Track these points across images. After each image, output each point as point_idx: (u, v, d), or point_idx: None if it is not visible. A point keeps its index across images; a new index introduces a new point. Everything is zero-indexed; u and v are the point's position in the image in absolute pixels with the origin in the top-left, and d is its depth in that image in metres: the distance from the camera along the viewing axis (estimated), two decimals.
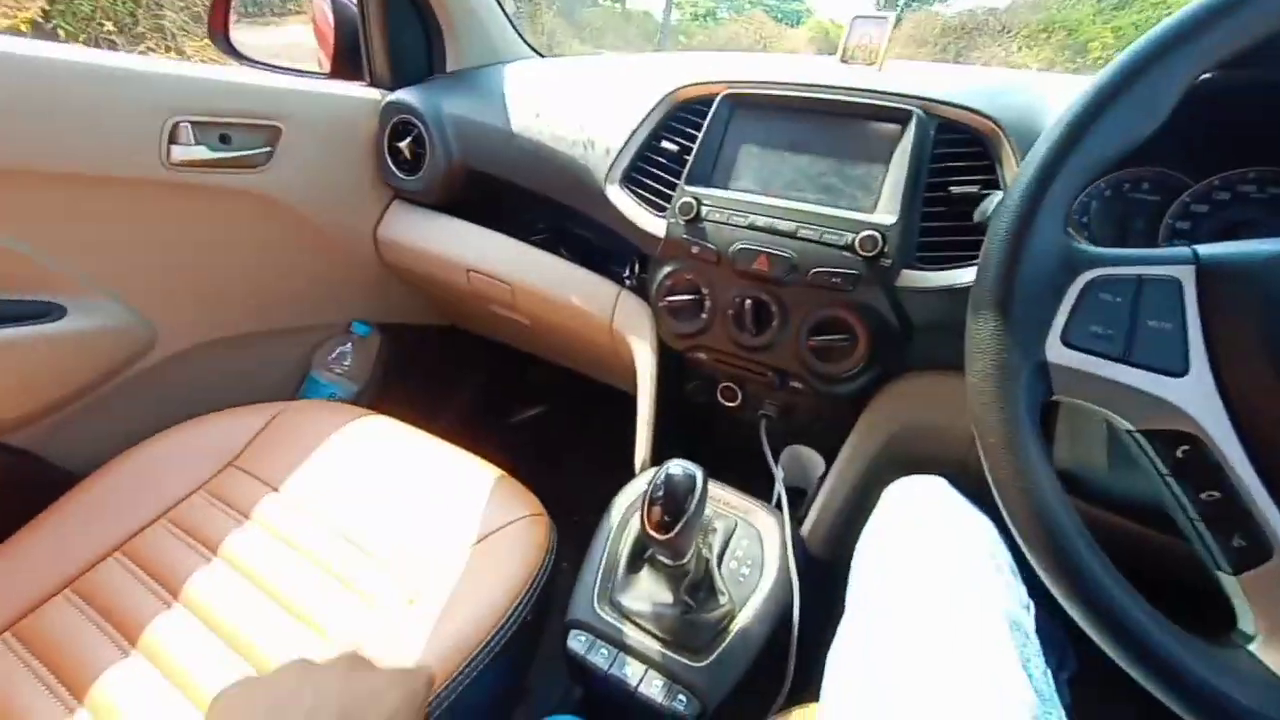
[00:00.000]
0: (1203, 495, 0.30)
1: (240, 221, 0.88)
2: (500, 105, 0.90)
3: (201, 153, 0.80)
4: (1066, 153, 0.33)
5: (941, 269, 0.58)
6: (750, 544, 0.63)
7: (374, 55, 1.01)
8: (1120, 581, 0.31)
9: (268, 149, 0.87)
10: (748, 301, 0.64)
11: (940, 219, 0.59)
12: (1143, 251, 0.33)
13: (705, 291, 0.68)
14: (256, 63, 1.06)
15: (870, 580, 0.46)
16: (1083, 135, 0.33)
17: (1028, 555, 0.33)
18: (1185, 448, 0.31)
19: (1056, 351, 0.33)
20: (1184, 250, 0.32)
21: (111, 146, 0.72)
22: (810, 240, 0.60)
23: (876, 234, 0.57)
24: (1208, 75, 0.50)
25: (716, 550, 0.62)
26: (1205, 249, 0.32)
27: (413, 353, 1.19)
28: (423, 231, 1.00)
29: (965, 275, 0.57)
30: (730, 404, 0.76)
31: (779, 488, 0.66)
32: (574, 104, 0.83)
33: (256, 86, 0.87)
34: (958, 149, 0.60)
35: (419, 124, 0.94)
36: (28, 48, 0.65)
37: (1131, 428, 0.32)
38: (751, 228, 0.63)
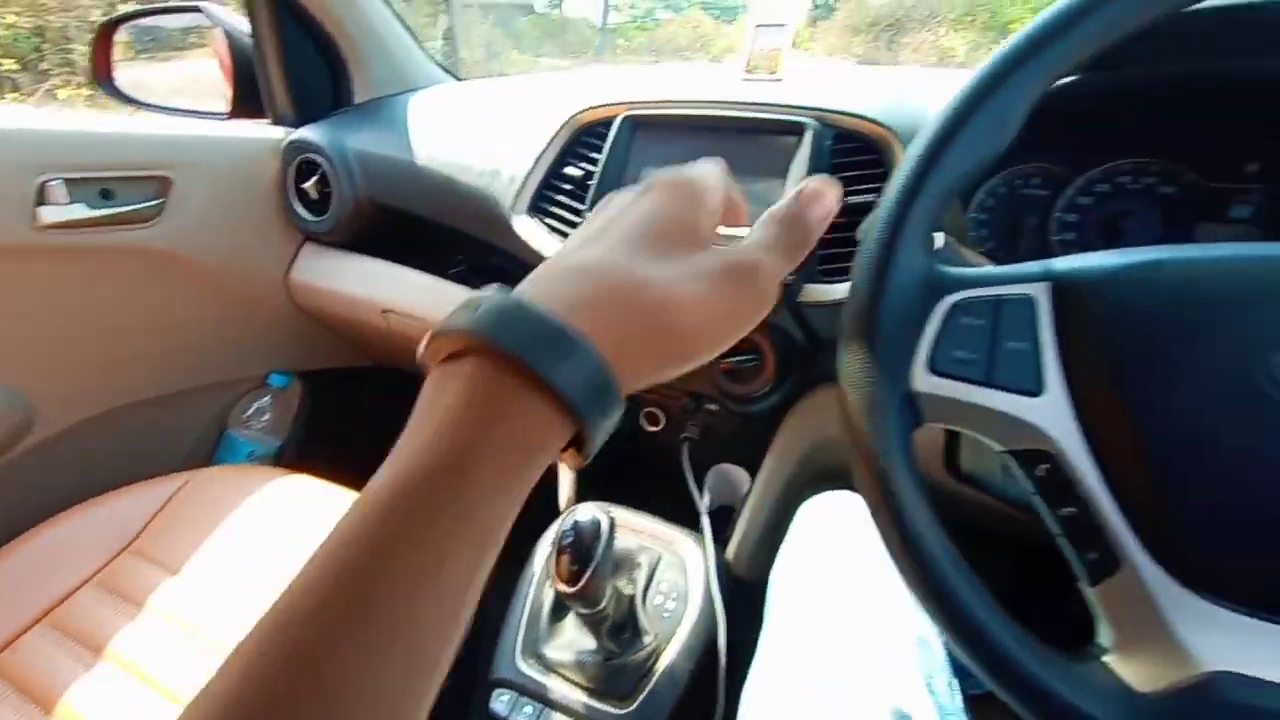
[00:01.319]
0: (1062, 511, 0.31)
1: (131, 281, 0.83)
2: (406, 137, 0.88)
3: (79, 211, 0.75)
4: (922, 179, 0.33)
5: (845, 280, 0.57)
6: (675, 575, 0.62)
7: (274, 92, 0.97)
8: (985, 602, 0.31)
9: (157, 201, 0.83)
10: None
11: (839, 230, 0.58)
12: (1002, 270, 0.33)
13: None
14: (151, 106, 1.01)
15: (784, 605, 0.46)
16: (937, 160, 0.33)
17: (901, 580, 0.32)
18: (1045, 466, 0.31)
19: (923, 379, 0.32)
20: (1039, 267, 0.32)
21: None
22: None
23: None
24: (1070, 79, 0.51)
25: (641, 586, 0.61)
26: (1060, 263, 0.32)
27: (338, 398, 1.14)
28: (336, 273, 0.96)
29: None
30: (654, 428, 0.75)
31: (702, 513, 0.66)
32: (479, 132, 0.81)
33: (141, 136, 0.82)
34: (854, 157, 0.60)
35: (323, 162, 0.91)
36: None
37: (1000, 448, 0.32)
38: None
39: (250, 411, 1.01)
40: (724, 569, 0.65)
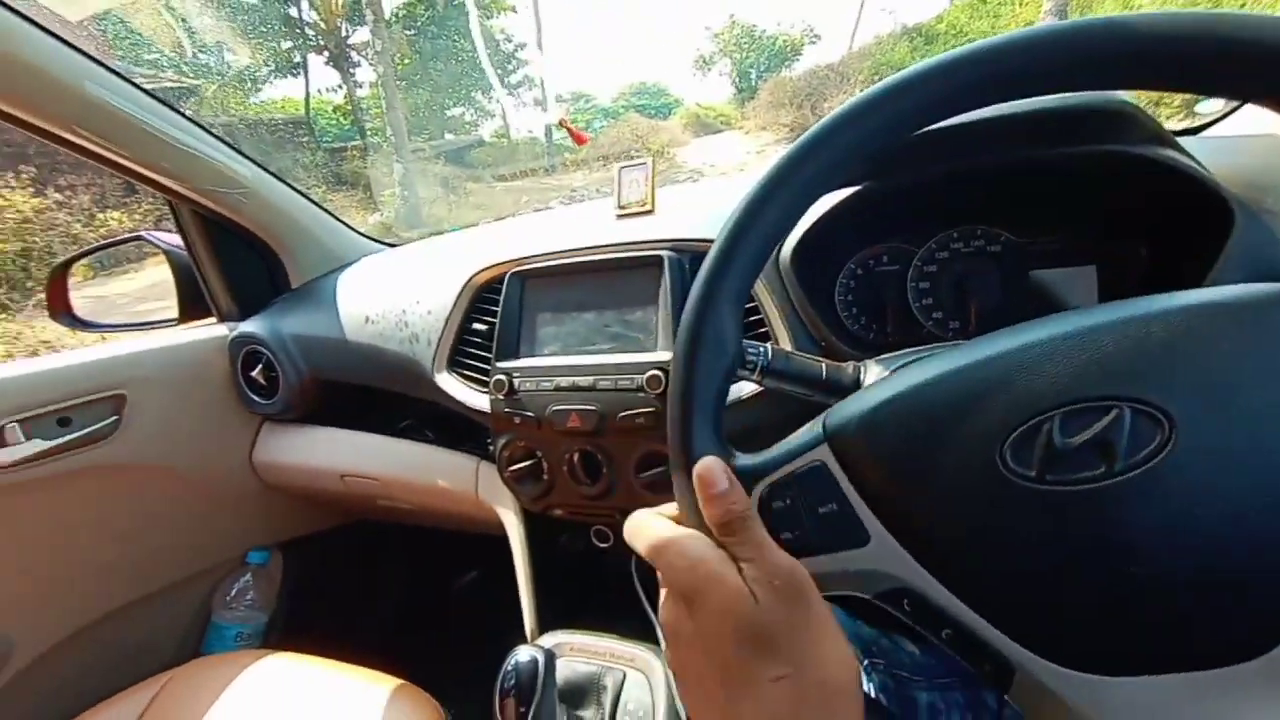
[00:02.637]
0: (943, 634, 0.32)
1: (95, 497, 0.87)
2: (336, 315, 0.95)
3: (36, 445, 0.80)
4: (726, 262, 0.34)
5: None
6: (641, 693, 0.63)
7: (215, 293, 1.06)
8: None
9: (113, 418, 0.89)
10: (576, 456, 0.67)
11: None
12: (786, 448, 0.34)
13: (540, 454, 0.71)
14: (107, 327, 1.09)
15: None
16: (735, 247, 0.34)
17: None
18: (907, 600, 0.32)
19: None
20: (814, 434, 0.34)
21: None
22: (608, 390, 0.65)
23: (659, 371, 0.62)
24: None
25: (609, 710, 0.61)
26: (831, 417, 0.34)
27: (322, 560, 1.16)
28: (296, 447, 1.01)
29: (746, 387, 0.62)
30: (605, 545, 0.77)
31: (657, 624, 0.67)
32: (396, 302, 0.88)
33: (93, 361, 0.89)
34: None
35: (265, 350, 0.98)
36: None
37: (869, 598, 0.33)
38: (558, 389, 0.67)
39: (234, 592, 1.03)
40: None
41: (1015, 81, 0.32)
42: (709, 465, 0.31)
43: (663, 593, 0.32)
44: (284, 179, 1.07)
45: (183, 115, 0.88)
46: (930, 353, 0.39)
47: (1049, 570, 0.29)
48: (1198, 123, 0.75)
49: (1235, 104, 0.75)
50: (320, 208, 1.13)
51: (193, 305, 1.07)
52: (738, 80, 14.41)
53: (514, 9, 12.02)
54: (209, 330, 1.03)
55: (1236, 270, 0.50)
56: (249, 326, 0.99)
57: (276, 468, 1.02)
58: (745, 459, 0.35)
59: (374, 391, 0.92)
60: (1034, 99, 0.36)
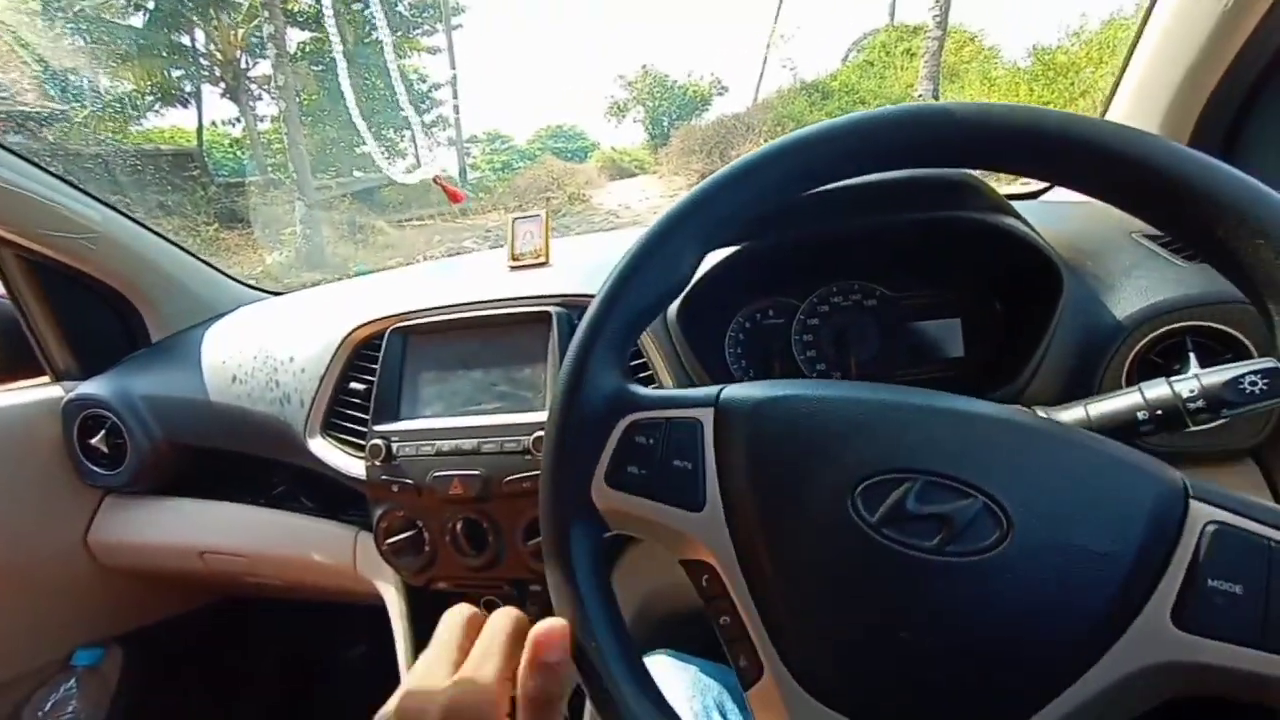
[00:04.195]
0: (721, 619, 0.33)
1: None
2: (198, 374, 0.86)
3: None
4: (606, 314, 0.37)
5: None
6: None
7: (48, 348, 0.93)
8: (649, 705, 0.33)
9: None
10: (460, 524, 0.63)
11: None
12: (679, 394, 0.36)
13: (421, 524, 0.65)
14: None
15: None
16: (616, 300, 0.37)
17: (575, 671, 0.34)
18: (706, 576, 0.33)
19: (601, 492, 0.35)
20: (711, 391, 0.36)
21: None
22: (494, 453, 0.61)
23: None
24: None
25: None
26: (728, 390, 0.35)
27: (173, 652, 1.01)
28: (144, 523, 0.89)
29: None
30: None
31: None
32: (267, 359, 0.81)
33: None
34: None
35: (109, 414, 0.86)
36: None
37: (675, 556, 0.35)
38: (439, 454, 0.63)
39: (50, 706, 0.87)
40: None
41: (867, 157, 0.35)
42: (551, 627, 0.31)
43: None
44: (145, 223, 0.98)
45: (6, 150, 0.78)
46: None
47: (838, 607, 0.30)
48: (1034, 188, 0.84)
49: None
50: (190, 254, 1.04)
51: (12, 362, 0.93)
52: (651, 127, 15.00)
53: (430, 50, 12.00)
54: (35, 393, 0.89)
55: (1070, 327, 0.54)
56: (90, 388, 0.88)
57: (119, 548, 0.89)
58: (634, 387, 0.36)
59: (234, 459, 0.83)
60: (890, 174, 0.39)
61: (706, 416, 0.35)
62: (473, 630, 0.34)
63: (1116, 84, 0.68)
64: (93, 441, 0.87)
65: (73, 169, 0.87)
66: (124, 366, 0.93)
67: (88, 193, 0.89)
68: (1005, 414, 0.32)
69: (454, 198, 0.95)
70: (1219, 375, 0.38)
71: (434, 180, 0.93)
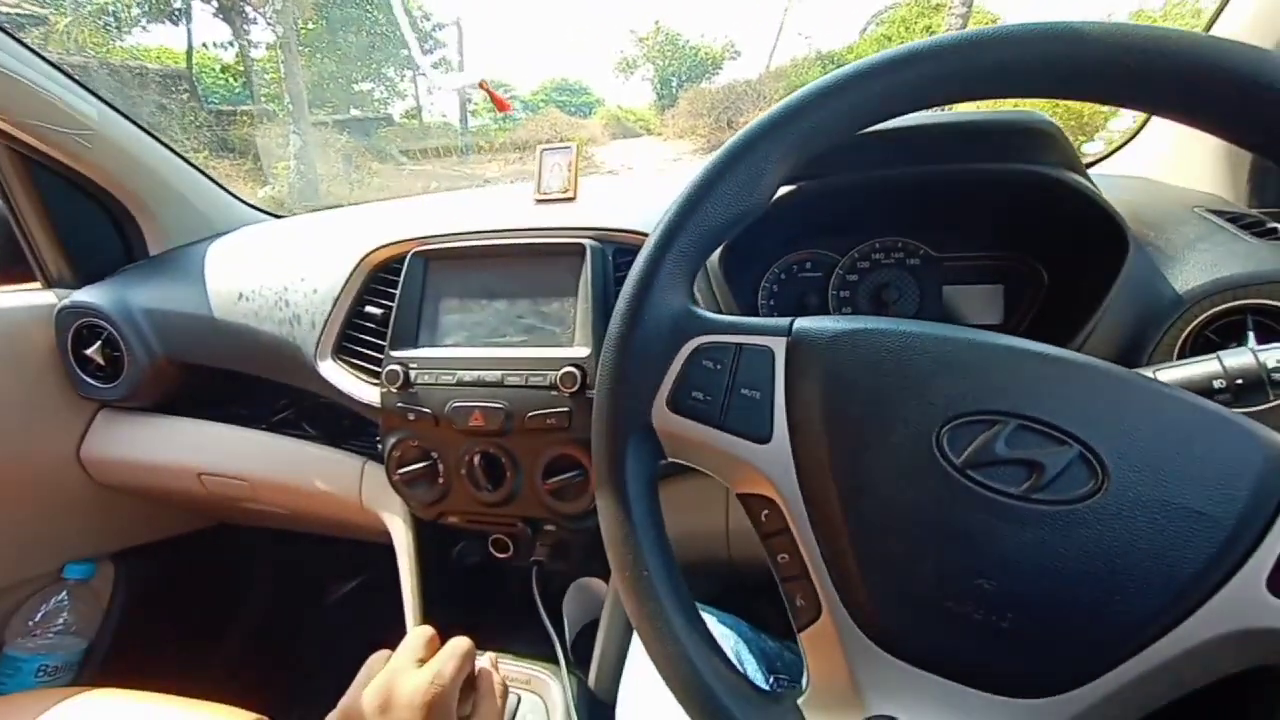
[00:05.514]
0: (779, 557, 0.32)
1: None
2: (201, 290, 0.82)
3: None
4: (679, 226, 0.34)
5: None
6: (537, 717, 0.58)
7: (41, 253, 0.88)
8: (703, 647, 0.32)
9: None
10: (477, 458, 0.61)
11: None
12: (749, 320, 0.35)
13: (436, 455, 0.63)
14: None
15: None
16: (692, 211, 0.34)
17: (627, 612, 0.34)
18: (766, 511, 0.32)
19: (662, 416, 0.33)
20: (783, 321, 0.34)
21: None
22: (518, 386, 0.59)
23: (574, 369, 0.57)
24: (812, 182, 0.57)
25: None
26: (801, 321, 0.34)
27: (166, 573, 1.00)
28: (140, 441, 0.86)
29: None
30: (504, 555, 0.71)
31: (556, 642, 0.62)
32: (277, 278, 0.77)
33: None
34: None
35: (106, 324, 0.83)
36: None
37: (732, 490, 0.34)
38: (461, 384, 0.61)
39: (40, 616, 0.86)
40: (587, 697, 0.61)
41: (990, 78, 0.32)
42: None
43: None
44: (145, 127, 0.92)
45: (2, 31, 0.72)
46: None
47: (912, 549, 0.29)
48: (1084, 160, 0.82)
49: (1115, 145, 0.82)
50: (193, 165, 0.98)
51: (4, 264, 0.89)
52: (659, 87, 14.59)
53: None
54: (28, 298, 0.85)
55: (1127, 299, 0.53)
56: (85, 296, 0.84)
57: (113, 464, 0.86)
58: (701, 311, 0.35)
59: (238, 379, 0.80)
60: (965, 113, 0.36)
61: (779, 345, 0.33)
62: (433, 645, 0.45)
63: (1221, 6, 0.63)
64: (88, 352, 0.83)
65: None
66: (122, 277, 0.89)
67: (84, 85, 0.83)
68: (1103, 364, 0.30)
69: (501, 105, 0.91)
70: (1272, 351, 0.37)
71: (479, 85, 0.88)
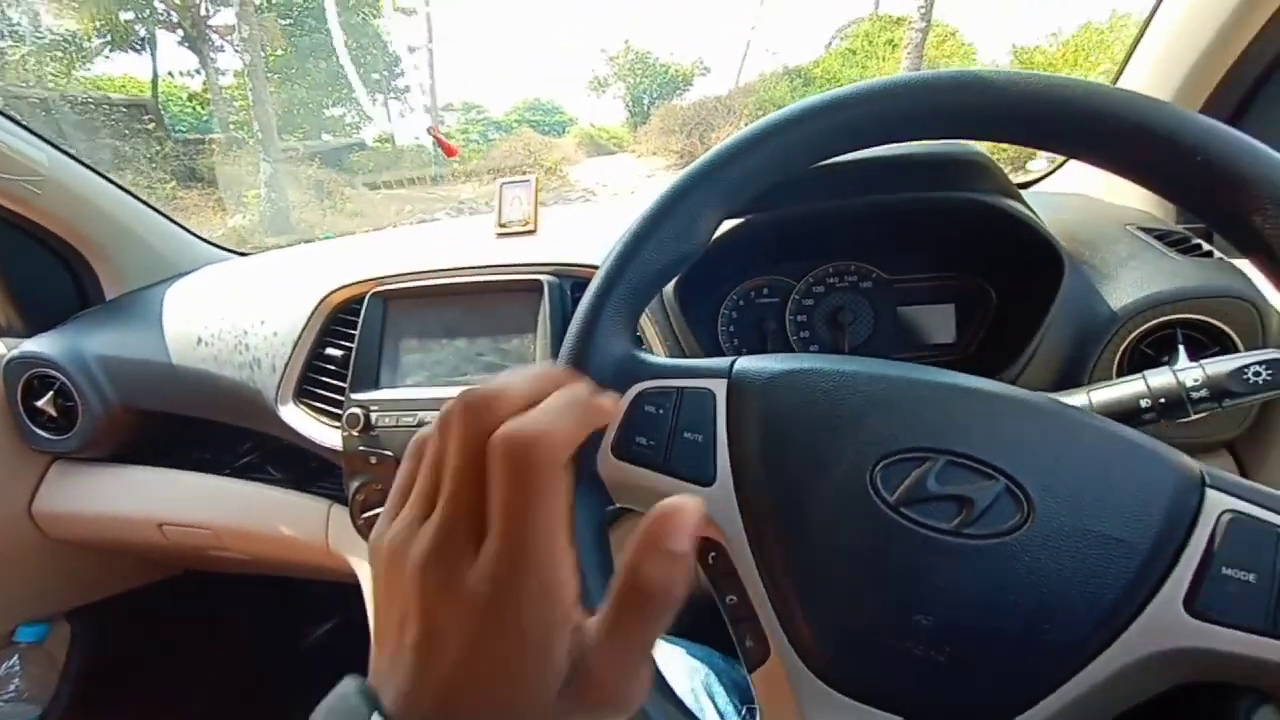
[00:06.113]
0: (728, 599, 0.32)
1: None
2: (158, 335, 0.81)
3: None
4: (618, 274, 0.35)
5: None
6: None
7: None
8: (652, 694, 0.32)
9: None
10: None
11: None
12: (690, 363, 0.35)
13: None
14: None
15: None
16: (630, 259, 0.35)
17: None
18: (714, 553, 0.32)
19: (608, 464, 0.34)
20: (724, 363, 0.34)
21: None
22: None
23: None
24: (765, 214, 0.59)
25: None
26: (742, 362, 0.34)
27: (128, 628, 0.97)
28: (96, 492, 0.84)
29: None
30: None
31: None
32: (236, 321, 0.76)
33: None
34: None
35: (59, 375, 0.81)
36: None
37: None
38: (422, 425, 0.60)
39: None
40: None
41: (896, 123, 0.34)
42: (682, 504, 0.22)
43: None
44: (98, 169, 0.91)
45: None
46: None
47: (852, 588, 0.30)
48: (1026, 178, 0.85)
49: (1058, 163, 0.85)
50: (150, 207, 0.97)
51: None
52: (631, 104, 14.75)
53: (405, 11, 11.52)
54: None
55: (1067, 317, 0.55)
56: (35, 345, 0.82)
57: (68, 519, 0.84)
58: (644, 354, 0.35)
59: (202, 423, 0.79)
60: (902, 146, 0.38)
61: (720, 387, 0.33)
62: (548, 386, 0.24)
63: (1129, 56, 0.67)
64: (39, 404, 0.81)
65: (9, 111, 0.79)
66: (75, 324, 0.87)
67: (34, 131, 0.82)
68: (1026, 396, 0.31)
69: (449, 151, 0.92)
70: (1224, 365, 0.39)
71: (429, 130, 0.88)
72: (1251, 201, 0.28)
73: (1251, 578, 0.27)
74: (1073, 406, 0.32)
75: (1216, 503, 0.28)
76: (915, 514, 0.29)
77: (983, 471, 0.29)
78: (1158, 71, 0.65)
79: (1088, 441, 0.30)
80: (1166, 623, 0.27)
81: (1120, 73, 0.70)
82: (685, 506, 0.21)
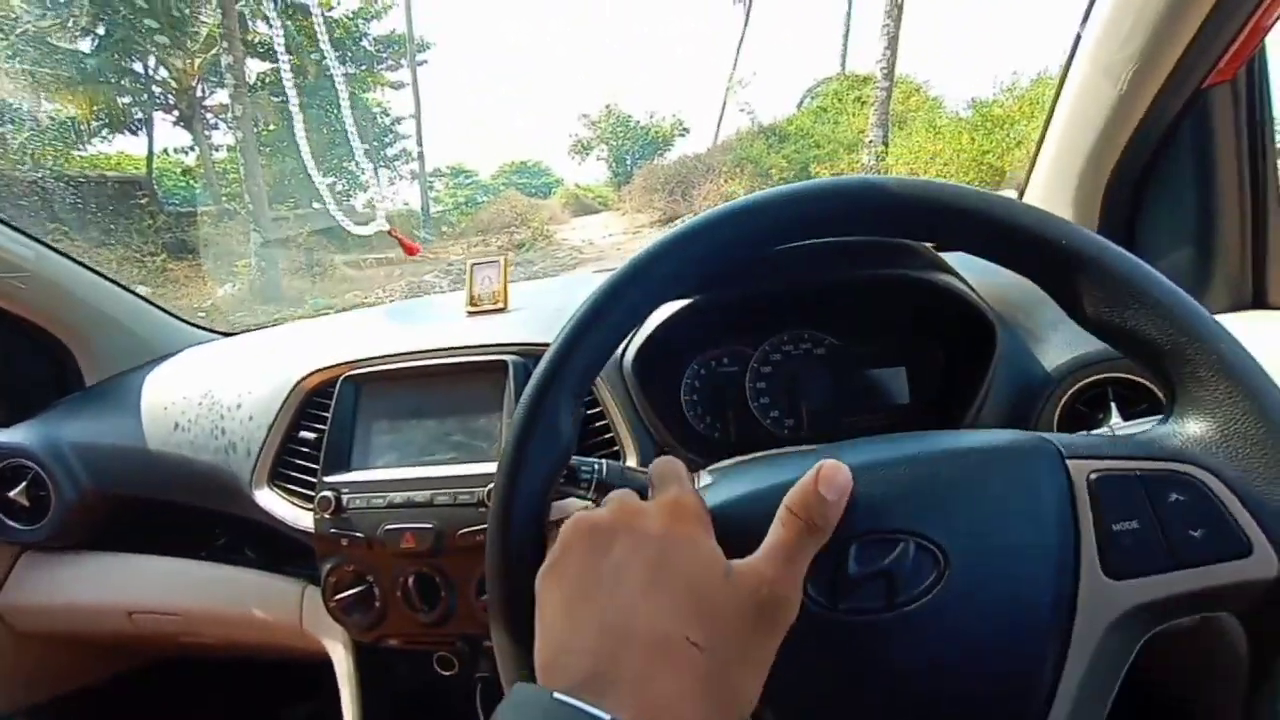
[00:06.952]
0: None
1: None
2: (135, 420, 0.82)
3: None
4: (554, 374, 0.36)
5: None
6: None
7: None
8: None
9: None
10: (411, 579, 0.61)
11: None
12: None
13: (371, 579, 0.63)
14: None
15: None
16: (567, 358, 0.37)
17: None
18: None
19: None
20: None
21: None
22: (447, 505, 0.60)
23: None
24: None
25: None
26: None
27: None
28: (64, 582, 0.83)
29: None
30: (449, 672, 0.70)
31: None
32: (212, 405, 0.78)
33: None
34: None
35: (34, 465, 0.81)
36: None
37: None
38: (391, 506, 0.61)
39: None
40: None
41: (802, 226, 0.38)
42: (841, 467, 0.30)
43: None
44: (81, 261, 0.94)
45: None
46: (753, 461, 0.41)
47: (819, 698, 0.30)
48: None
49: None
50: (131, 292, 0.99)
51: None
52: (614, 165, 15.29)
53: (394, 85, 12.02)
54: None
55: (1005, 376, 0.58)
56: (10, 436, 0.82)
57: (35, 611, 0.83)
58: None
59: (169, 510, 0.79)
60: None
61: None
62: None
63: (1033, 164, 0.73)
64: (11, 495, 0.81)
65: (4, 193, 0.82)
66: (52, 412, 0.88)
67: (20, 230, 0.85)
68: (915, 449, 0.33)
69: (409, 250, 0.95)
70: (1131, 429, 0.41)
71: (389, 233, 0.92)
72: (1086, 279, 0.32)
73: (1135, 524, 0.28)
74: (935, 432, 0.34)
75: (1080, 469, 0.29)
76: (849, 604, 0.29)
77: (892, 540, 0.30)
78: (1052, 184, 0.70)
79: (966, 463, 0.31)
80: (1100, 596, 0.28)
81: (1024, 186, 0.76)
82: (843, 467, 0.30)
